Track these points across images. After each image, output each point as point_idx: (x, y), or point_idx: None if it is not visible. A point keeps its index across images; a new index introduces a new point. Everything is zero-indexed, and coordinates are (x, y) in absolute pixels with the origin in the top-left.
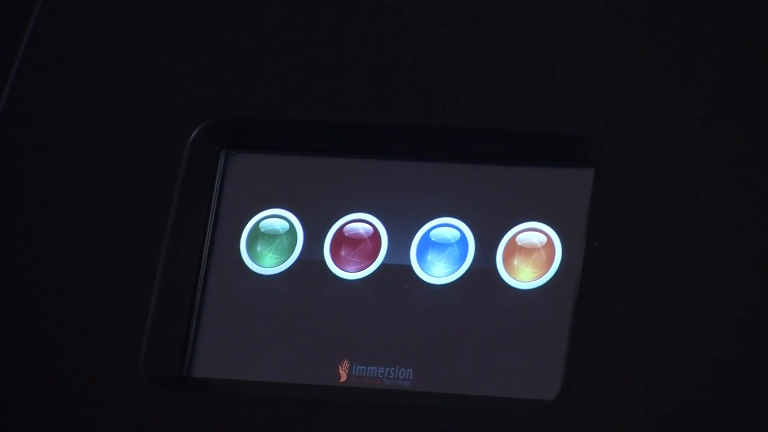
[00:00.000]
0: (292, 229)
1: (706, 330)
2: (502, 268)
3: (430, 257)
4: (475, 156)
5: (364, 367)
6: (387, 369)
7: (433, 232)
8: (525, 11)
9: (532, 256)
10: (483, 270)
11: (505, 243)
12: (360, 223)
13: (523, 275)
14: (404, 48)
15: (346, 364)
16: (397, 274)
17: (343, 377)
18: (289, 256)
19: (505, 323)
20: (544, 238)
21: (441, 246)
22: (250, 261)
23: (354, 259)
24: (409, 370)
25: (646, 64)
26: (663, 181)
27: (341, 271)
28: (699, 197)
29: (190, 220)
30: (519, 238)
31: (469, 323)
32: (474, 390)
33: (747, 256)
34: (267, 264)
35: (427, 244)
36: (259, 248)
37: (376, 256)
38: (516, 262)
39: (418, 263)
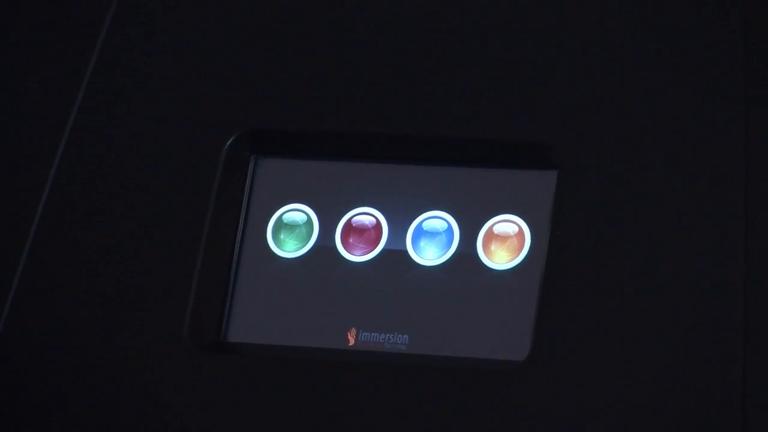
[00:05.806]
0: (309, 221)
1: (652, 299)
2: (482, 252)
3: (422, 243)
4: (460, 160)
5: (368, 334)
6: (387, 335)
7: (425, 223)
8: (500, 31)
9: (507, 242)
10: (466, 254)
11: (484, 232)
12: (365, 215)
13: (499, 258)
14: (405, 70)
15: (353, 331)
16: (396, 258)
17: (351, 342)
18: (306, 243)
19: (484, 297)
20: (516, 228)
21: (432, 234)
22: (275, 247)
23: (360, 245)
24: (405, 336)
25: (603, 77)
26: (616, 181)
27: (350, 255)
28: (646, 191)
29: (225, 214)
30: (496, 227)
31: (454, 297)
32: (459, 352)
33: (693, 233)
34: (289, 249)
35: (420, 232)
36: (282, 236)
37: (379, 243)
38: (493, 248)
39: (413, 248)
